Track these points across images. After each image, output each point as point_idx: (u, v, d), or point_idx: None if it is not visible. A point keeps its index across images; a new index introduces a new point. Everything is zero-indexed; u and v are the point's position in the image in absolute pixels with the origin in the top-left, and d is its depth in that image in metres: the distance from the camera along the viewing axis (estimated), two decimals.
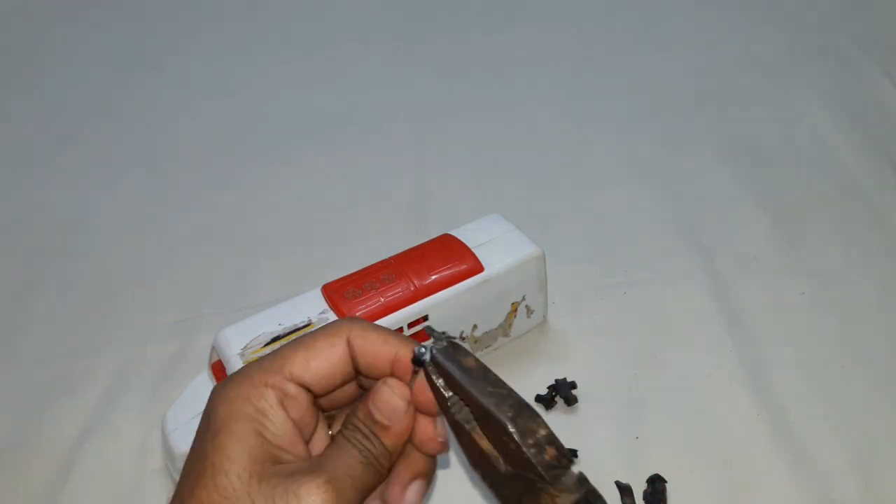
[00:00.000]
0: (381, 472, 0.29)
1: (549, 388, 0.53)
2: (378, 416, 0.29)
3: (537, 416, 0.28)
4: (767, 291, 0.61)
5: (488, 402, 0.28)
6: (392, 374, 0.30)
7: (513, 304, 0.55)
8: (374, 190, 0.74)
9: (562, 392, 0.53)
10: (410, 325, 0.50)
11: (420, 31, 0.94)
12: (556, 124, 0.81)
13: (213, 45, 0.94)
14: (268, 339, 0.48)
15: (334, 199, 0.74)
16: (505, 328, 0.56)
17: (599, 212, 0.69)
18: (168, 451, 0.48)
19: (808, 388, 0.53)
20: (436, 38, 0.93)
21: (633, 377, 0.55)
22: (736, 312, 0.59)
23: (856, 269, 0.62)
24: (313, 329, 0.38)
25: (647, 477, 0.48)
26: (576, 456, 0.49)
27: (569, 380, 0.54)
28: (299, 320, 0.49)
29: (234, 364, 0.47)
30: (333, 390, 0.30)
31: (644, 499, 0.47)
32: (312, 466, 0.28)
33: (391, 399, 0.29)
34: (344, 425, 0.30)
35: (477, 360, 0.29)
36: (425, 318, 0.51)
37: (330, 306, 0.49)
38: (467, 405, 0.29)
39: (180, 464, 0.47)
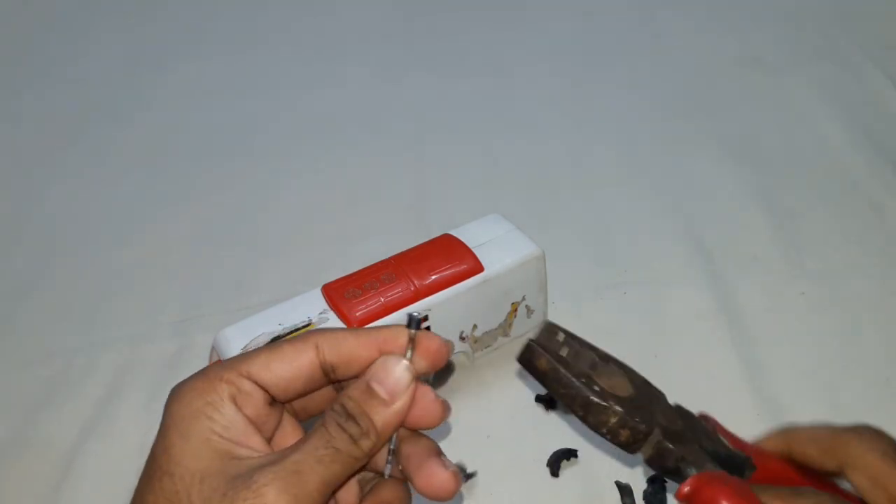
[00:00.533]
0: (360, 458, 0.27)
1: None
2: (379, 390, 0.27)
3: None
4: (767, 292, 0.61)
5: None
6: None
7: (513, 304, 0.55)
8: (374, 190, 0.74)
9: None
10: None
11: (421, 31, 0.94)
12: (556, 124, 0.81)
13: (214, 46, 0.94)
14: (268, 339, 0.48)
15: (334, 199, 0.74)
16: (505, 328, 0.56)
17: (599, 212, 0.69)
18: None
19: (808, 388, 0.53)
20: (436, 39, 0.94)
21: None
22: (736, 313, 0.59)
23: (855, 268, 0.62)
24: (312, 328, 0.38)
25: (647, 477, 0.48)
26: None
27: None
28: (299, 320, 0.49)
29: None
30: (297, 396, 0.29)
31: (644, 499, 0.47)
32: (274, 458, 0.26)
33: (395, 370, 0.27)
34: (326, 411, 0.28)
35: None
36: (425, 319, 0.51)
37: (330, 306, 0.49)
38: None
39: None
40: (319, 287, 0.51)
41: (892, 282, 0.61)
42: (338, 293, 0.50)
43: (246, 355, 0.28)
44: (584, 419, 0.33)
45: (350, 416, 0.27)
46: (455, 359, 0.55)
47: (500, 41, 0.93)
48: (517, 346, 0.56)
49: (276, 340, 0.46)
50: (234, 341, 0.48)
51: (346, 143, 0.80)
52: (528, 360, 0.34)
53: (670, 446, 0.33)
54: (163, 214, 0.73)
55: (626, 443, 0.33)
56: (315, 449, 0.26)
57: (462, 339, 0.54)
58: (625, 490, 0.47)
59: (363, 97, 0.86)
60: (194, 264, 0.67)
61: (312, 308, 0.49)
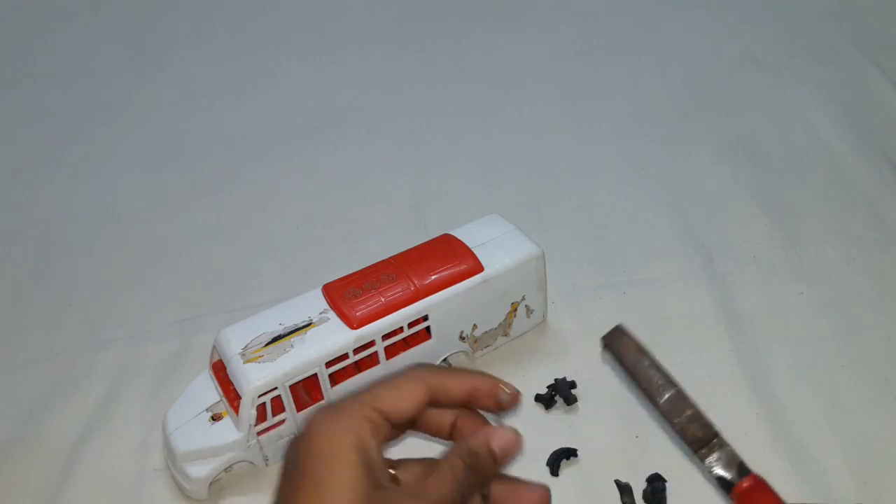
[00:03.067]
0: (466, 498, 0.32)
1: (548, 387, 0.54)
2: (495, 447, 0.33)
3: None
4: (766, 291, 0.61)
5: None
6: (469, 402, 0.34)
7: (512, 303, 0.55)
8: (375, 190, 0.74)
9: (561, 391, 0.53)
10: (411, 325, 0.50)
11: (421, 32, 0.95)
12: (555, 125, 0.81)
13: (214, 46, 0.94)
14: (268, 338, 0.48)
15: (335, 199, 0.74)
16: (505, 328, 0.56)
17: (599, 212, 0.69)
18: (169, 450, 0.49)
19: (806, 387, 0.53)
20: (436, 40, 0.94)
21: None
22: (735, 312, 0.59)
23: (854, 268, 0.62)
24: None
25: (646, 476, 0.48)
26: (575, 455, 0.50)
27: (568, 379, 0.54)
28: (300, 320, 0.49)
29: (236, 364, 0.47)
30: (407, 426, 0.34)
31: (644, 498, 0.47)
32: (417, 492, 0.31)
33: (507, 434, 0.33)
34: (450, 455, 0.33)
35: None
36: (425, 318, 0.51)
37: (330, 306, 0.49)
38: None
39: (181, 463, 0.47)
40: (320, 287, 0.51)
41: (891, 281, 0.61)
42: (338, 293, 0.50)
43: (373, 391, 0.32)
44: (659, 406, 0.35)
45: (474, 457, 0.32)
46: (454, 358, 0.55)
47: (499, 42, 0.93)
48: (518, 346, 0.57)
49: (297, 336, 0.47)
50: (235, 341, 0.48)
51: (346, 144, 0.80)
52: (615, 341, 0.36)
53: (735, 451, 0.35)
54: (163, 214, 0.73)
55: (693, 440, 0.34)
56: (448, 483, 0.31)
57: (462, 338, 0.54)
58: (624, 489, 0.47)
59: (364, 98, 0.86)
60: (195, 264, 0.68)
61: (313, 308, 0.49)
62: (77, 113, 0.87)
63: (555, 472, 0.49)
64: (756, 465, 0.36)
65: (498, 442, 0.33)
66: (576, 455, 0.50)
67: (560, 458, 0.49)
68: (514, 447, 0.34)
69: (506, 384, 0.34)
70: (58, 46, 0.94)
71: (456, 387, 0.34)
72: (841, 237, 0.65)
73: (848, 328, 0.57)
